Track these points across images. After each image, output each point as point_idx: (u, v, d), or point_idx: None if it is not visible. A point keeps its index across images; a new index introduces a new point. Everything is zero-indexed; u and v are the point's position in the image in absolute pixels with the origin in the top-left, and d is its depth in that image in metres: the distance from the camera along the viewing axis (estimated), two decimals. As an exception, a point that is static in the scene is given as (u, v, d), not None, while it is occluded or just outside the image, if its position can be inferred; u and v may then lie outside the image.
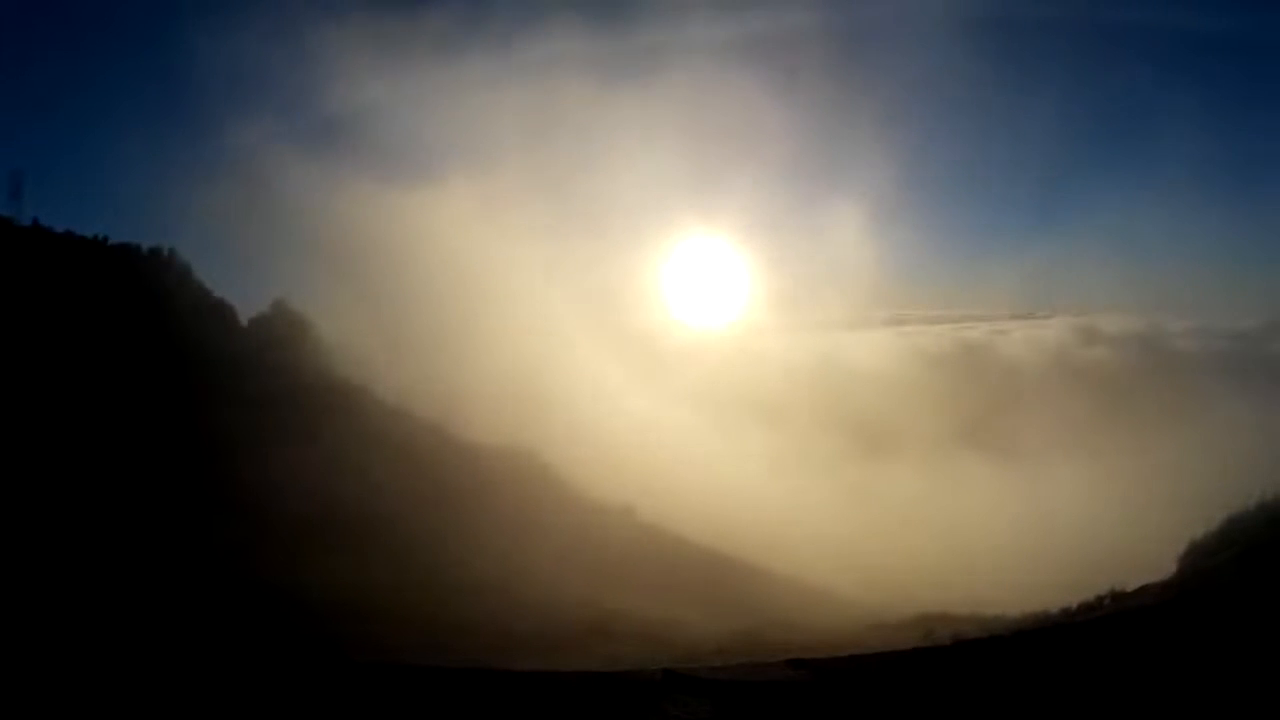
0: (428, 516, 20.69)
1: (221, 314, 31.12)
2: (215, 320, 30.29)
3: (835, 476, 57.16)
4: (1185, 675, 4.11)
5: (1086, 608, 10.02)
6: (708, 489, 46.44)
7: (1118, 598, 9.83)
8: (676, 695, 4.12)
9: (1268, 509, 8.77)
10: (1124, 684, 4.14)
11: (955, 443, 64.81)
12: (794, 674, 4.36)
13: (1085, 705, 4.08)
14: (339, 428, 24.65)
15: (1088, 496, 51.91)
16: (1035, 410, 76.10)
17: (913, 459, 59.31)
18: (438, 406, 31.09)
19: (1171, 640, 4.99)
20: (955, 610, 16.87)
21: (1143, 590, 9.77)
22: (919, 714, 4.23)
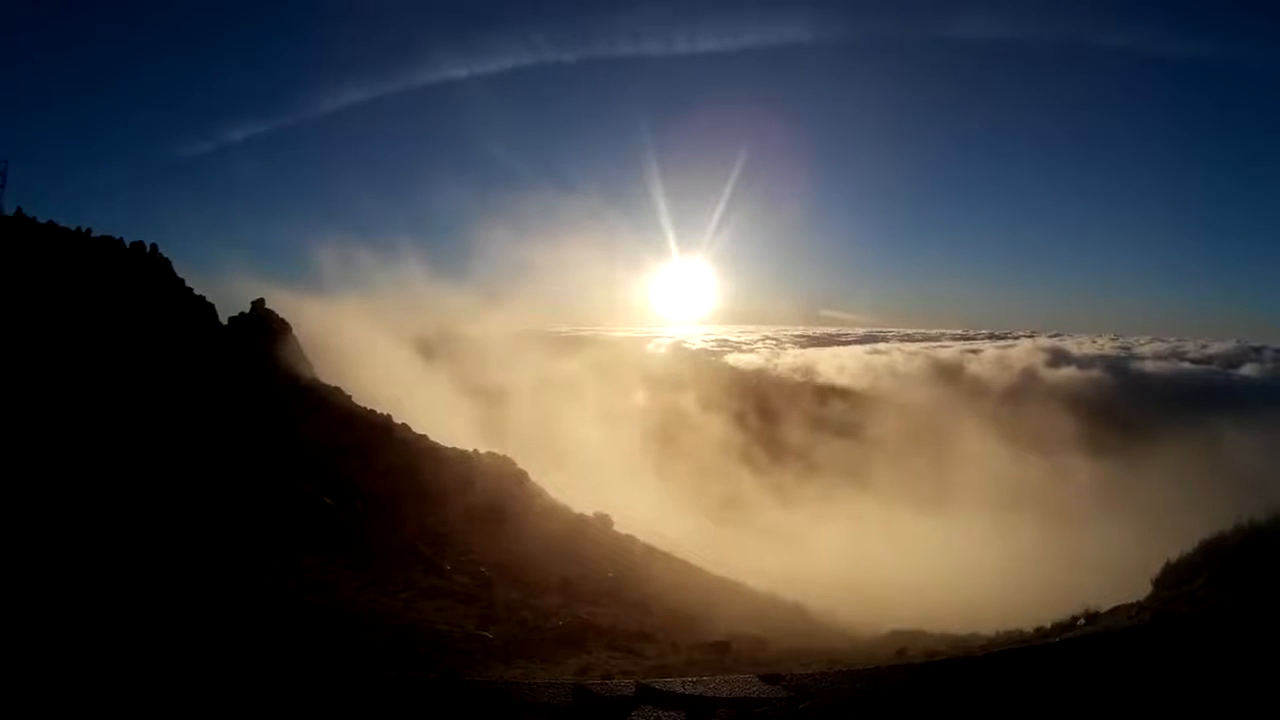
0: (400, 518, 20.56)
1: (201, 312, 30.93)
2: (194, 318, 30.14)
3: (810, 492, 57.81)
4: (1160, 696, 4.09)
5: (1060, 628, 10.04)
6: (685, 501, 46.68)
7: (1092, 618, 9.83)
8: (648, 709, 4.06)
9: (1244, 531, 8.81)
10: (1098, 705, 4.12)
11: (921, 460, 65.75)
12: (768, 689, 4.32)
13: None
14: (314, 429, 24.51)
15: (1060, 516, 52.59)
16: (1005, 429, 77.50)
17: (884, 476, 60.04)
18: (414, 413, 31.05)
19: (1147, 661, 4.98)
20: (928, 627, 16.95)
21: (1117, 611, 9.79)
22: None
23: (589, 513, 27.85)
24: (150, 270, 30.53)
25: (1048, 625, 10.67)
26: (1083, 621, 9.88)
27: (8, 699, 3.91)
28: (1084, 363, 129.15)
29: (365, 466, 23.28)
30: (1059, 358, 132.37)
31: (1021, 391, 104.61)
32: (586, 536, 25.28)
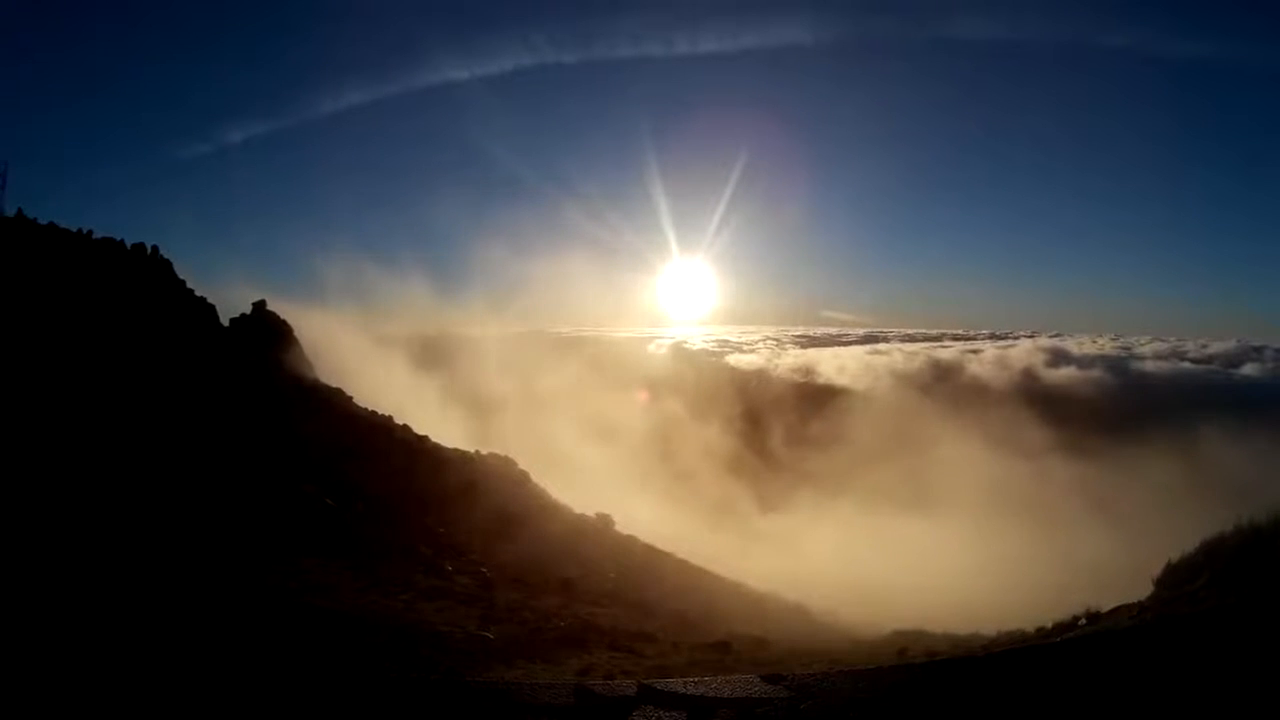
0: (402, 520, 20.57)
1: (202, 313, 30.94)
2: (195, 319, 30.15)
3: (809, 493, 57.79)
4: (1162, 696, 4.09)
5: (1062, 627, 10.03)
6: (684, 502, 46.65)
7: (1093, 618, 9.83)
8: (650, 709, 4.06)
9: (1245, 531, 8.80)
10: (1100, 705, 4.12)
11: (920, 462, 65.68)
12: (769, 689, 4.31)
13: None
14: (316, 430, 24.52)
15: (1060, 516, 52.50)
16: (1004, 429, 77.45)
17: (882, 478, 59.99)
18: (415, 415, 31.05)
19: (1148, 661, 4.98)
20: (930, 627, 16.94)
21: (1118, 611, 9.78)
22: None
23: (590, 513, 27.84)
24: (151, 272, 30.54)
25: (1049, 625, 10.65)
26: (1084, 621, 9.87)
27: (8, 699, 3.91)
28: (1084, 362, 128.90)
29: (367, 468, 23.28)
30: (1059, 357, 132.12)
31: (1022, 391, 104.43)
32: (587, 537, 25.27)
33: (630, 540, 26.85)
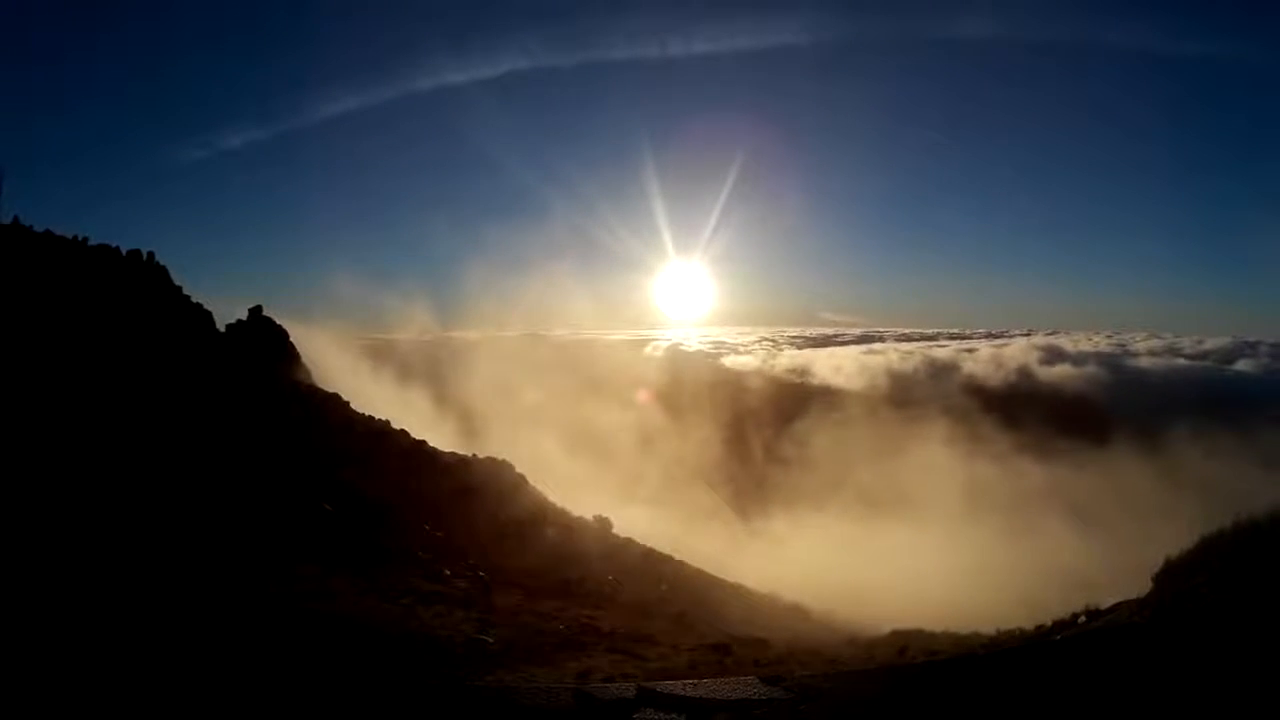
0: (399, 524, 20.53)
1: (198, 319, 30.88)
2: (191, 325, 30.10)
3: (804, 494, 57.82)
4: (1162, 692, 4.09)
5: (1061, 625, 10.04)
6: (679, 504, 46.65)
7: (1093, 615, 9.84)
8: (649, 712, 4.06)
9: (1243, 527, 8.81)
10: (1100, 701, 4.12)
11: (912, 462, 65.74)
12: (769, 690, 4.31)
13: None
14: (313, 435, 24.49)
15: (1058, 514, 52.55)
16: (999, 426, 77.52)
17: (876, 478, 60.03)
18: (412, 418, 31.04)
19: (1148, 657, 4.98)
20: (929, 626, 16.95)
21: (1118, 608, 9.78)
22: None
23: (588, 516, 27.82)
24: (147, 278, 30.50)
25: (1049, 623, 10.65)
26: (1084, 618, 9.88)
27: (9, 701, 3.90)
28: (1079, 360, 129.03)
29: (364, 472, 23.24)
30: (1054, 355, 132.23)
31: (1017, 389, 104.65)
32: (586, 540, 25.25)
33: (628, 543, 26.84)
